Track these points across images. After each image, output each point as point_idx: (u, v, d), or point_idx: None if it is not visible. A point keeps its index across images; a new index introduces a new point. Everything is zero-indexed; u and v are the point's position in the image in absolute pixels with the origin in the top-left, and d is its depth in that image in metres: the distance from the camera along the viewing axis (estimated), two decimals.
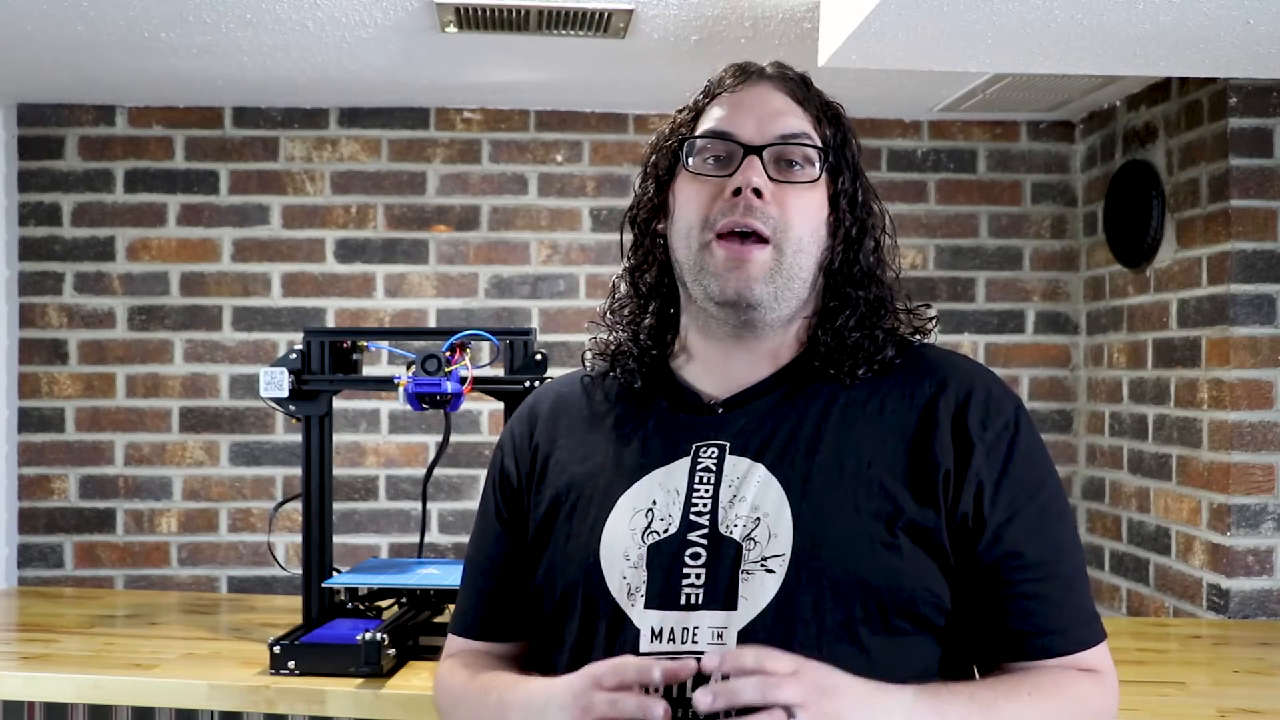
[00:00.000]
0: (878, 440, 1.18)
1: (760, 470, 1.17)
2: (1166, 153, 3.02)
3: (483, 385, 2.05)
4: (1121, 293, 3.25)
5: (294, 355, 2.06)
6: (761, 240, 1.20)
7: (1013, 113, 3.48)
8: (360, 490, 3.46)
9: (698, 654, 1.09)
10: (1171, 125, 3.00)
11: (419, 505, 3.39)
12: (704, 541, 1.15)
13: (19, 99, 3.38)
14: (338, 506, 3.33)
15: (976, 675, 1.21)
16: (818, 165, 1.24)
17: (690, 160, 1.26)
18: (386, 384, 2.05)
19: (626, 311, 1.32)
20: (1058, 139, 3.54)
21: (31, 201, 3.42)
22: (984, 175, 3.54)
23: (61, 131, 3.42)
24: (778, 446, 1.19)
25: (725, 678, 1.02)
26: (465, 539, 3.47)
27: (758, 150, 1.22)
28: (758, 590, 1.11)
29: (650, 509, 1.18)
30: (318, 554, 2.09)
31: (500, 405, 2.19)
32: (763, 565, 1.12)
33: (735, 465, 1.18)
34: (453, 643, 1.36)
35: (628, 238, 1.35)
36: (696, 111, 1.29)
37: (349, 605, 2.12)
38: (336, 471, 2.99)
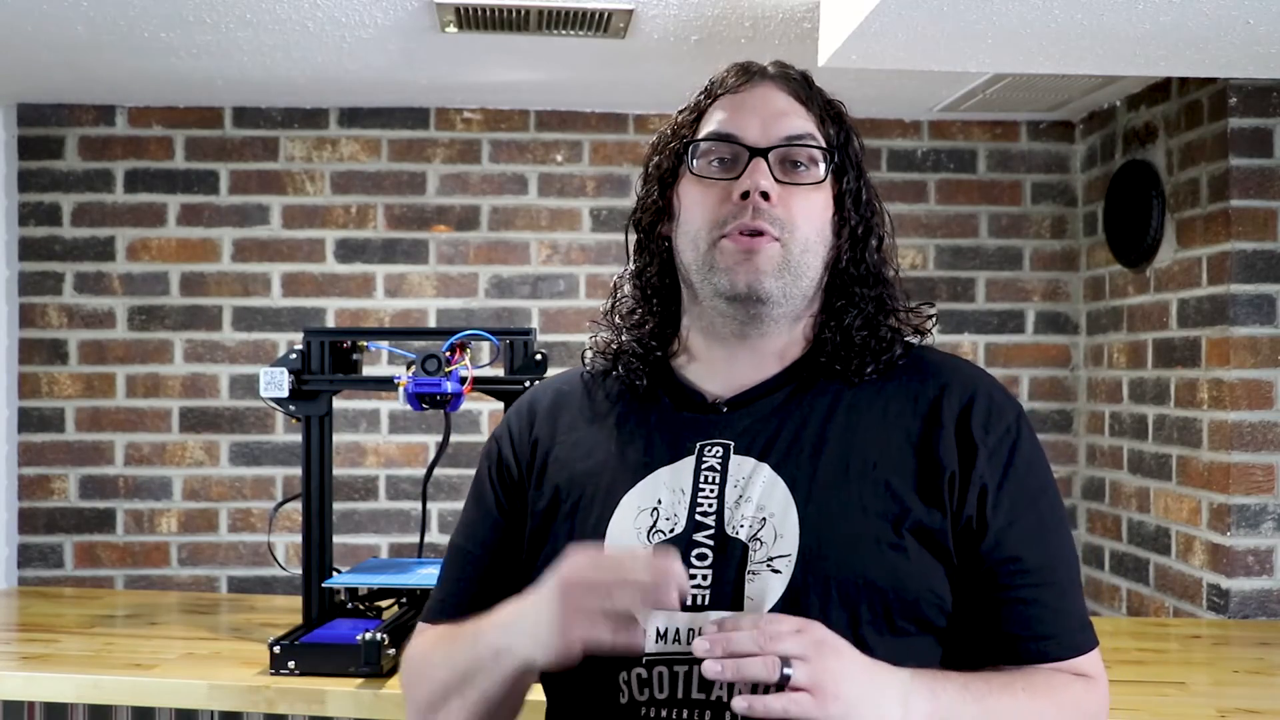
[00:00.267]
0: (882, 441, 1.18)
1: (765, 470, 1.17)
2: (1166, 153, 3.02)
3: (483, 385, 2.05)
4: (1121, 293, 3.25)
5: (294, 355, 2.07)
6: (770, 237, 1.20)
7: (1013, 113, 3.48)
8: (360, 490, 3.46)
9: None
10: (1171, 125, 3.00)
11: (419, 505, 3.39)
12: (710, 542, 1.14)
13: (19, 99, 3.38)
14: (338, 506, 3.33)
15: None
16: (822, 166, 1.24)
17: (695, 163, 1.25)
18: (386, 384, 2.05)
19: (630, 314, 1.31)
20: (1058, 139, 3.54)
21: (31, 201, 3.42)
22: (984, 175, 3.54)
23: (61, 131, 3.42)
24: (782, 446, 1.18)
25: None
26: None
27: (763, 152, 1.21)
28: (764, 591, 1.11)
29: (655, 508, 1.18)
30: (318, 554, 2.09)
31: (500, 405, 2.19)
32: (769, 566, 1.12)
33: (740, 465, 1.18)
34: (422, 630, 1.32)
35: (631, 238, 1.34)
36: (698, 112, 1.29)
37: (349, 605, 2.12)
38: (336, 471, 2.99)
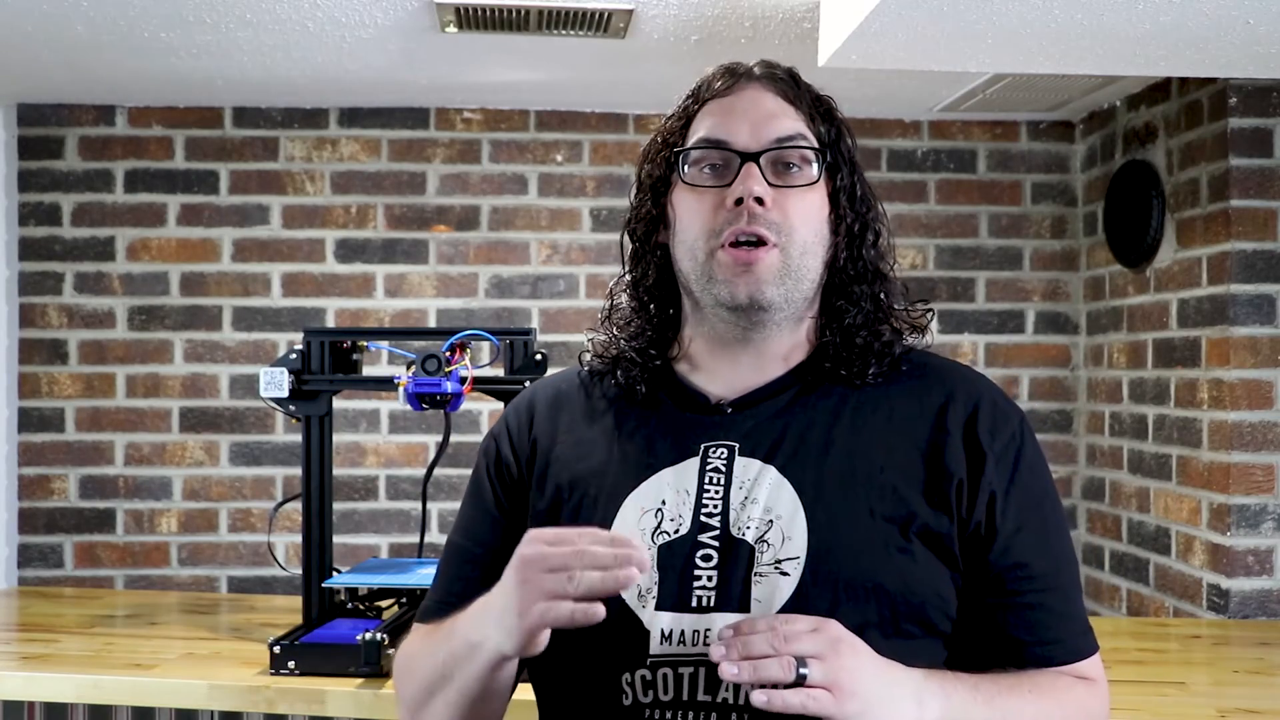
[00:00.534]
0: (888, 445, 1.18)
1: (772, 473, 1.16)
2: (1166, 153, 3.02)
3: (483, 385, 2.05)
4: (1121, 293, 3.25)
5: (294, 355, 2.06)
6: (765, 244, 1.19)
7: (1013, 113, 3.48)
8: (360, 490, 3.46)
9: (708, 657, 1.08)
10: (1171, 125, 3.00)
11: (419, 505, 3.39)
12: (715, 543, 1.14)
13: (19, 99, 3.38)
14: (338, 506, 3.33)
15: None
16: (815, 166, 1.23)
17: (686, 171, 1.24)
18: (386, 384, 2.05)
19: (628, 324, 1.30)
20: (1058, 139, 3.54)
21: (31, 201, 3.42)
22: (984, 175, 3.54)
23: (61, 131, 3.42)
24: (788, 449, 1.18)
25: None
26: None
27: (754, 157, 1.20)
28: (772, 593, 1.11)
29: (660, 509, 1.17)
30: (318, 554, 2.09)
31: (500, 405, 2.19)
32: (776, 568, 1.12)
33: (746, 467, 1.18)
34: (418, 631, 1.31)
35: (627, 247, 1.33)
36: (687, 118, 1.27)
37: (349, 605, 2.12)
38: (336, 471, 2.99)
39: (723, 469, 1.18)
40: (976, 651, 1.18)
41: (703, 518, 1.16)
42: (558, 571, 1.03)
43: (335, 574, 2.12)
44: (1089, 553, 3.45)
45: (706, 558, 1.14)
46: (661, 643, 1.11)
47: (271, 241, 3.45)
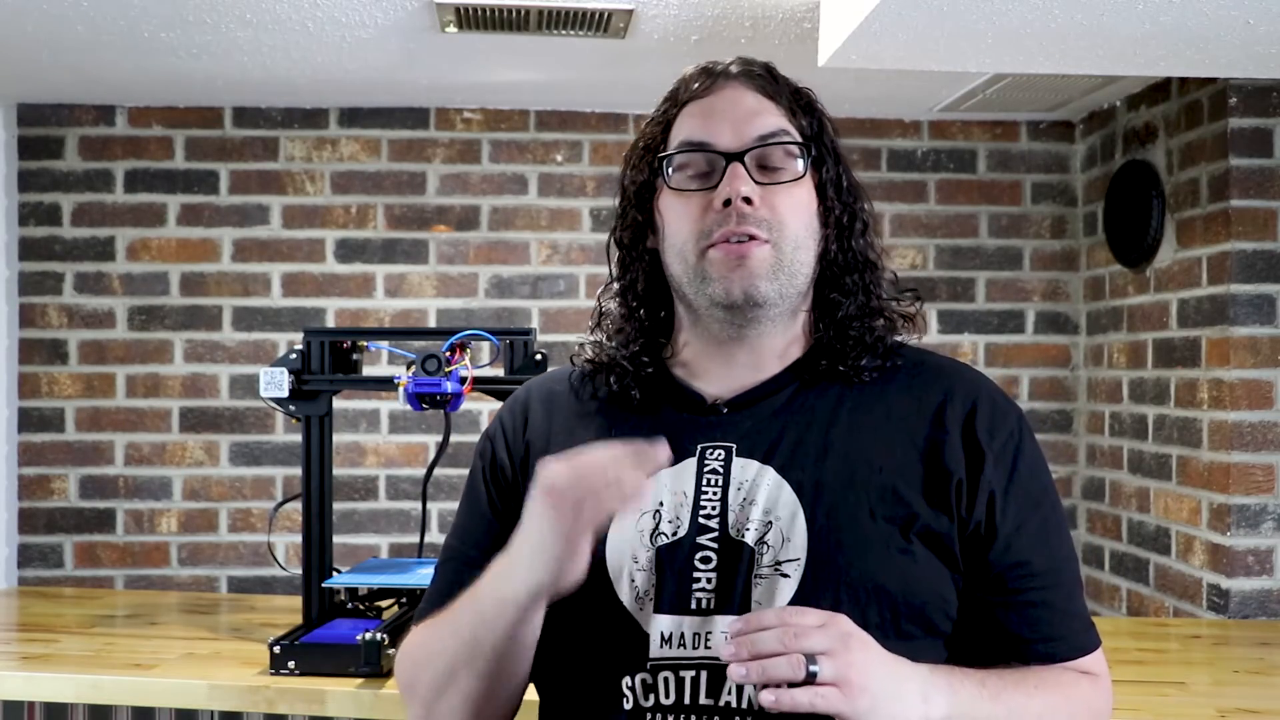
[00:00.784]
0: (887, 445, 1.18)
1: (770, 474, 1.16)
2: (1166, 153, 3.02)
3: (483, 385, 2.05)
4: (1121, 293, 3.25)
5: (294, 355, 2.06)
6: (760, 240, 1.18)
7: (1013, 113, 3.48)
8: (360, 490, 3.46)
9: (711, 661, 1.09)
10: (1171, 125, 3.00)
11: (419, 505, 3.39)
12: (714, 545, 1.13)
13: (19, 99, 3.38)
14: (338, 506, 3.33)
15: None
16: (800, 161, 1.22)
17: (671, 176, 1.23)
18: (386, 384, 2.05)
19: (619, 332, 1.29)
20: (1058, 139, 3.54)
21: (31, 201, 3.42)
22: (984, 175, 3.54)
23: (61, 131, 3.42)
24: (787, 449, 1.17)
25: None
26: None
27: (738, 157, 1.19)
28: (772, 595, 1.10)
29: (657, 511, 1.16)
30: (318, 554, 2.09)
31: (500, 405, 2.19)
32: (777, 570, 1.11)
33: (744, 468, 1.17)
34: (418, 630, 1.29)
35: (614, 254, 1.32)
36: (666, 122, 1.26)
37: (349, 605, 2.12)
38: (336, 471, 2.99)
39: (720, 470, 1.17)
40: (979, 650, 1.18)
41: (701, 519, 1.15)
42: (586, 496, 1.04)
43: (335, 574, 2.12)
44: (1089, 553, 3.45)
45: (705, 559, 1.13)
46: (661, 645, 1.11)
47: (271, 241, 3.45)
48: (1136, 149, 3.17)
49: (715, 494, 1.16)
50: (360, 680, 1.88)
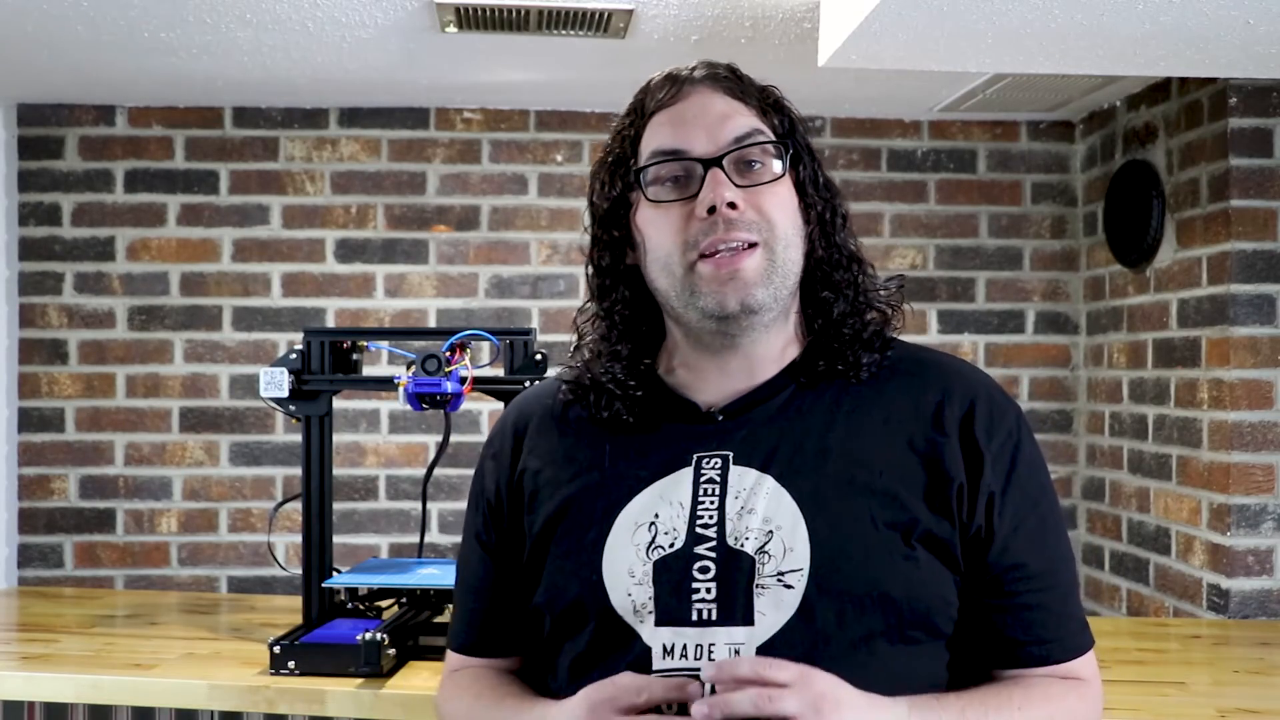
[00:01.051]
0: (886, 448, 1.16)
1: (769, 482, 1.14)
2: (1166, 153, 3.02)
3: (483, 385, 2.05)
4: (1121, 293, 3.25)
5: (294, 355, 2.06)
6: (749, 245, 1.16)
7: (1013, 113, 3.48)
8: (360, 490, 3.46)
9: None
10: (1171, 125, 3.00)
11: (419, 505, 3.39)
12: (712, 554, 1.12)
13: (19, 99, 3.38)
14: (338, 506, 3.33)
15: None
16: (779, 160, 1.20)
17: (649, 189, 1.20)
18: (386, 384, 2.05)
19: (602, 355, 1.26)
20: (1058, 139, 3.54)
21: (31, 201, 3.42)
22: (984, 175, 3.54)
23: (61, 131, 3.42)
24: (784, 457, 1.16)
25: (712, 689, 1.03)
26: None
27: (716, 161, 1.17)
28: (776, 605, 1.09)
29: (653, 523, 1.15)
30: (318, 554, 2.09)
31: (500, 405, 2.19)
32: (779, 580, 1.10)
33: (741, 476, 1.15)
34: (451, 659, 1.34)
35: (592, 274, 1.29)
36: (635, 134, 1.23)
37: (349, 605, 2.12)
38: (336, 471, 2.99)
39: (717, 479, 1.16)
40: (974, 651, 1.17)
41: (698, 529, 1.13)
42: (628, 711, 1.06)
43: (335, 574, 2.12)
44: (1089, 553, 3.45)
45: (704, 570, 1.12)
46: (664, 658, 1.10)
47: (271, 241, 3.45)
48: (1136, 149, 3.17)
49: (712, 503, 1.15)
50: (360, 680, 1.88)
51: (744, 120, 1.20)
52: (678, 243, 1.17)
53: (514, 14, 2.56)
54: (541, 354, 2.07)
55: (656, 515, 1.16)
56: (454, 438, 3.24)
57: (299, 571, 2.11)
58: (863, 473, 1.15)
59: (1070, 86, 3.14)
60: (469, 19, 2.60)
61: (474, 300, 3.47)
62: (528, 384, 2.01)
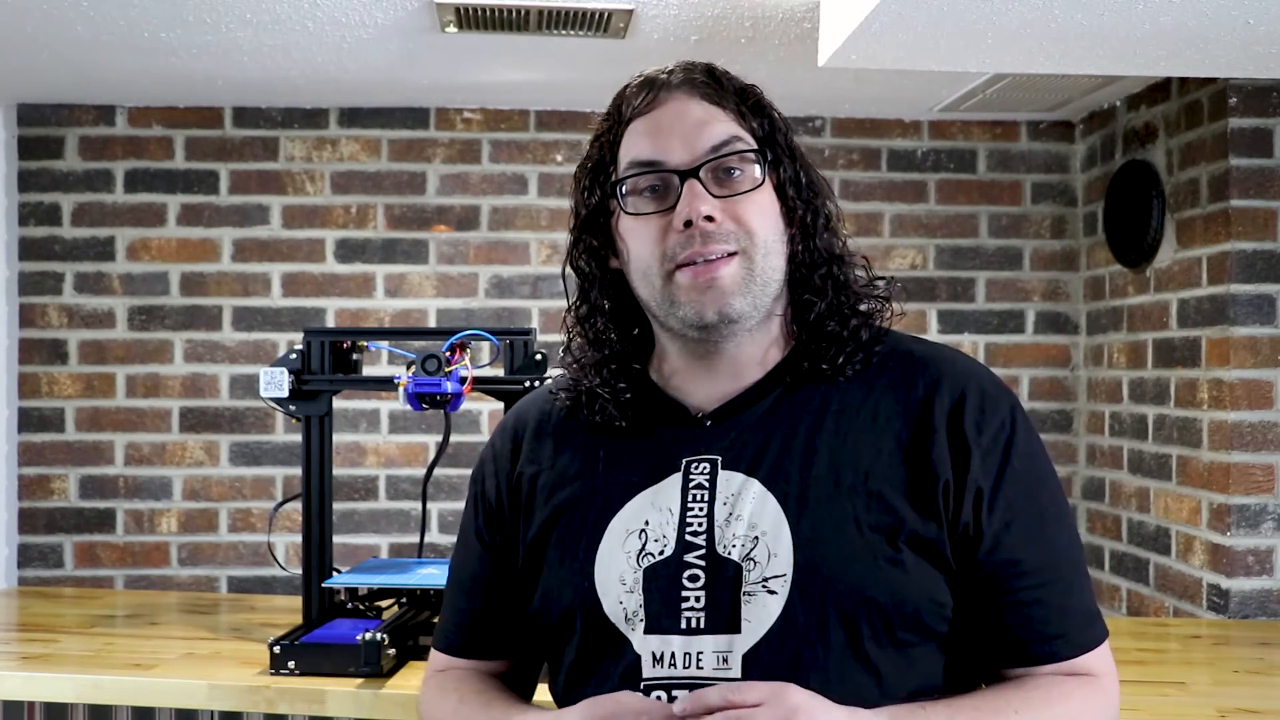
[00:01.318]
0: (873, 448, 1.15)
1: (755, 486, 1.14)
2: (1166, 153, 3.02)
3: (483, 385, 2.05)
4: (1121, 293, 3.25)
5: (294, 355, 2.06)
6: (728, 255, 1.15)
7: (1013, 113, 3.48)
8: (360, 490, 3.46)
9: (703, 680, 1.08)
10: (1171, 125, 3.00)
11: (419, 505, 3.39)
12: (702, 563, 1.12)
13: (19, 99, 3.38)
14: (338, 506, 3.33)
15: (982, 683, 1.19)
16: (758, 168, 1.18)
17: (626, 200, 1.18)
18: (386, 384, 2.05)
19: (590, 361, 1.25)
20: (1058, 139, 3.54)
21: (31, 201, 3.42)
22: (984, 175, 3.54)
23: (61, 131, 3.42)
24: (771, 460, 1.15)
25: None
26: None
27: (693, 173, 1.15)
28: (760, 612, 1.09)
29: (644, 530, 1.15)
30: (318, 554, 2.09)
31: (500, 405, 2.19)
32: (764, 586, 1.09)
33: (729, 481, 1.15)
34: (435, 659, 1.34)
35: (574, 281, 1.28)
36: (614, 141, 1.22)
37: (349, 605, 2.12)
38: (336, 471, 2.99)
39: (706, 485, 1.15)
40: (979, 651, 1.16)
41: (687, 537, 1.13)
42: None
43: (335, 574, 2.12)
44: (1089, 553, 3.45)
45: (694, 578, 1.11)
46: (654, 666, 1.10)
47: (271, 241, 3.45)
48: (1136, 149, 3.17)
49: (702, 509, 1.14)
50: (360, 680, 1.88)
51: (721, 127, 1.18)
52: (656, 254, 1.17)
53: (514, 14, 2.56)
54: (541, 354, 2.07)
55: (647, 522, 1.15)
56: (454, 438, 3.24)
57: (299, 571, 2.11)
58: (848, 474, 1.13)
59: (1070, 86, 3.14)
60: (469, 19, 2.60)
61: (474, 300, 3.47)
62: (528, 384, 2.01)
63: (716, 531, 1.13)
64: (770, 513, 1.12)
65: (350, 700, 1.85)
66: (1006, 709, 1.10)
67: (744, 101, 1.21)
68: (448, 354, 1.99)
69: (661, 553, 1.13)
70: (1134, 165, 3.14)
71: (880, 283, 1.25)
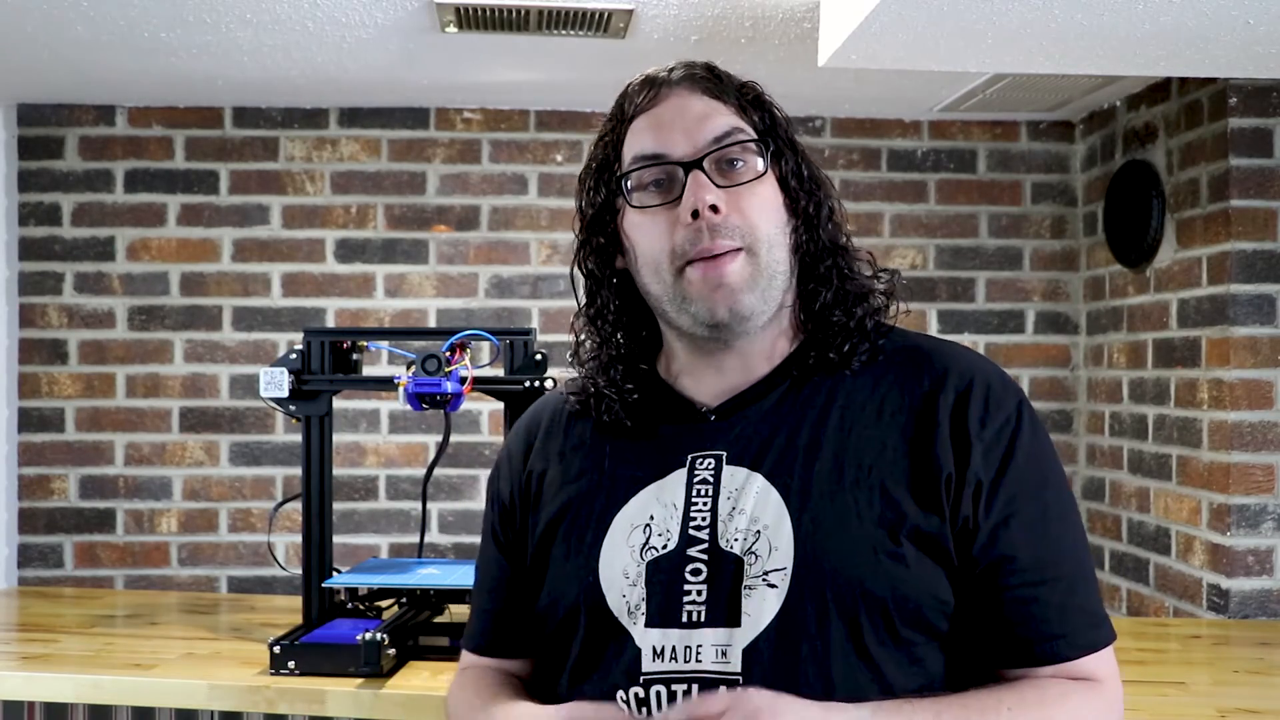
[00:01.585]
0: (878, 442, 1.15)
1: (758, 480, 1.14)
2: (1166, 153, 3.02)
3: (483, 385, 2.05)
4: (1121, 293, 3.25)
5: (294, 355, 2.06)
6: (734, 250, 1.16)
7: (1013, 113, 3.48)
8: (360, 490, 3.46)
9: (702, 675, 1.08)
10: (1171, 125, 3.00)
11: (419, 505, 3.38)
12: (704, 557, 1.12)
13: (19, 99, 3.38)
14: (338, 506, 3.33)
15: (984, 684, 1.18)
16: (760, 158, 1.20)
17: (632, 195, 1.20)
18: (386, 384, 2.05)
19: (597, 360, 1.27)
20: (1058, 139, 3.54)
21: (31, 201, 3.42)
22: (984, 175, 3.54)
23: (61, 131, 3.42)
24: (775, 454, 1.15)
25: None
26: (465, 539, 3.48)
27: (696, 164, 1.17)
28: (760, 606, 1.09)
29: (648, 524, 1.15)
30: (318, 554, 2.09)
31: (500, 405, 2.19)
32: (764, 580, 1.09)
33: (733, 475, 1.15)
34: (463, 657, 1.36)
35: (581, 280, 1.29)
36: (617, 139, 1.23)
37: (349, 605, 2.12)
38: (336, 471, 2.99)
39: (710, 480, 1.16)
40: (977, 649, 1.14)
41: (691, 531, 1.14)
42: None
43: (335, 574, 2.12)
44: None
45: (696, 572, 1.12)
46: (654, 659, 1.10)
47: (271, 241, 3.45)
48: (1136, 149, 3.17)
49: (705, 504, 1.15)
50: (360, 680, 1.88)
51: (723, 120, 1.19)
52: (666, 249, 1.17)
53: (514, 14, 2.56)
54: (541, 354, 2.07)
55: (651, 517, 1.16)
56: (454, 438, 3.24)
57: (299, 571, 2.11)
58: (852, 467, 1.13)
59: (1070, 86, 3.14)
60: (469, 19, 2.60)
61: (474, 300, 3.47)
62: (527, 384, 2.01)
63: (719, 525, 1.13)
64: (773, 506, 1.12)
65: (350, 700, 1.85)
66: (999, 707, 1.08)
67: (744, 96, 1.23)
68: (448, 354, 1.99)
69: (665, 547, 1.14)
70: (1134, 165, 3.14)
71: (884, 275, 1.26)
